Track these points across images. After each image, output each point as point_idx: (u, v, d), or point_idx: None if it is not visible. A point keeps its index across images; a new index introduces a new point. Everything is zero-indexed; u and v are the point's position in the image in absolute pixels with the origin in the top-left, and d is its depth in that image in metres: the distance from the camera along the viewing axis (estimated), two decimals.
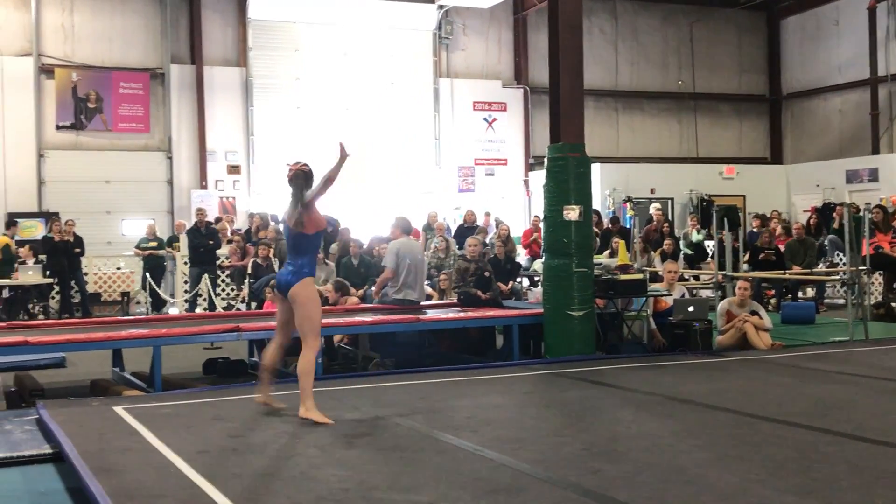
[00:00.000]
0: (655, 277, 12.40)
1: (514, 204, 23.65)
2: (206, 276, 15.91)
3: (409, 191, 22.51)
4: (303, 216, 7.00)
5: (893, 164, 21.79)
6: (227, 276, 17.17)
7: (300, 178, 7.07)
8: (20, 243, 17.12)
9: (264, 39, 21.97)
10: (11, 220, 18.17)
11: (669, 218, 21.45)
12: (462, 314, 10.63)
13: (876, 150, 23.61)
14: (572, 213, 10.00)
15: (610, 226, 18.55)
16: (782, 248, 16.25)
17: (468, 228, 18.17)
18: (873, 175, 21.95)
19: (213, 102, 21.37)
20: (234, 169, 21.30)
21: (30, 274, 15.44)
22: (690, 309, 10.44)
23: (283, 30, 22.18)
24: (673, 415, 7.08)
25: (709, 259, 16.67)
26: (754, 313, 10.71)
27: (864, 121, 24.40)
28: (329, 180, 7.04)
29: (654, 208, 19.16)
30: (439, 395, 8.02)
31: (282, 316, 7.22)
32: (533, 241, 17.72)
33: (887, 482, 5.06)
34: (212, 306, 15.75)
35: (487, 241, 16.79)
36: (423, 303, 11.02)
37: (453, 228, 19.33)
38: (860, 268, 12.34)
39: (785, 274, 14.98)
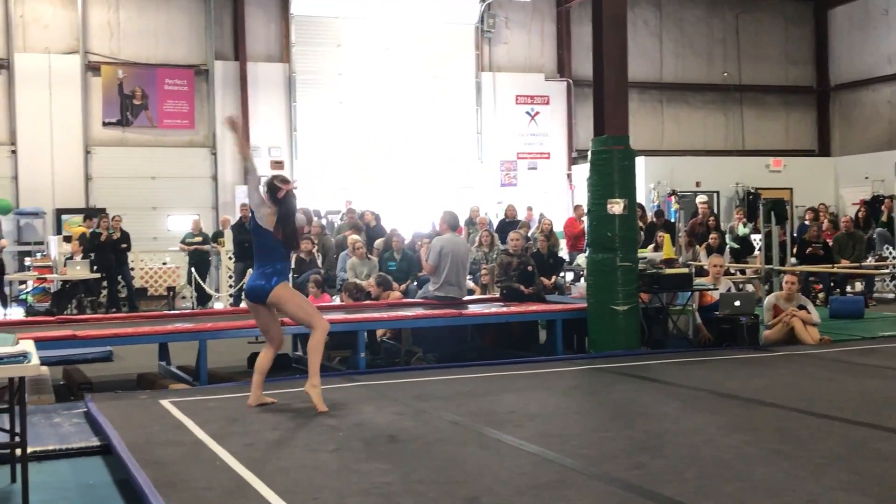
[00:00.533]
0: (701, 272, 12.26)
1: (557, 198, 23.54)
2: (250, 270, 16.00)
3: (451, 185, 22.50)
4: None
5: None
6: None
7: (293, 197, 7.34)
8: (67, 238, 17.38)
9: (307, 35, 22.07)
10: (93, 212, 18.46)
11: (715, 211, 21.19)
12: (505, 309, 10.60)
13: None
14: (616, 207, 9.92)
15: (654, 219, 18.37)
16: (830, 241, 16.00)
17: (510, 223, 18.10)
18: None
19: (256, 98, 21.50)
20: (277, 164, 21.39)
21: (77, 269, 15.66)
22: (737, 303, 10.31)
23: (325, 25, 22.26)
24: (719, 410, 7.00)
25: (755, 253, 16.46)
26: (802, 307, 10.56)
27: None
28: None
29: (699, 201, 18.94)
30: (482, 390, 8.00)
31: (261, 322, 7.39)
32: (577, 234, 17.59)
33: None
34: None
35: (530, 235, 16.73)
36: (464, 298, 11.00)
37: (495, 223, 19.28)
38: None
39: (833, 268, 14.75)
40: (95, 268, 16.27)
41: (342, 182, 21.69)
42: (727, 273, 12.97)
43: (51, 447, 6.30)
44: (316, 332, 7.11)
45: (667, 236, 11.91)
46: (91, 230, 17.12)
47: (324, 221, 17.82)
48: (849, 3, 25.82)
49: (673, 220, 18.10)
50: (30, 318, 12.92)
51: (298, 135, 21.83)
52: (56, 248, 17.88)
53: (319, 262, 14.59)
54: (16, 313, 15.60)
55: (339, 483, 5.09)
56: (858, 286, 16.39)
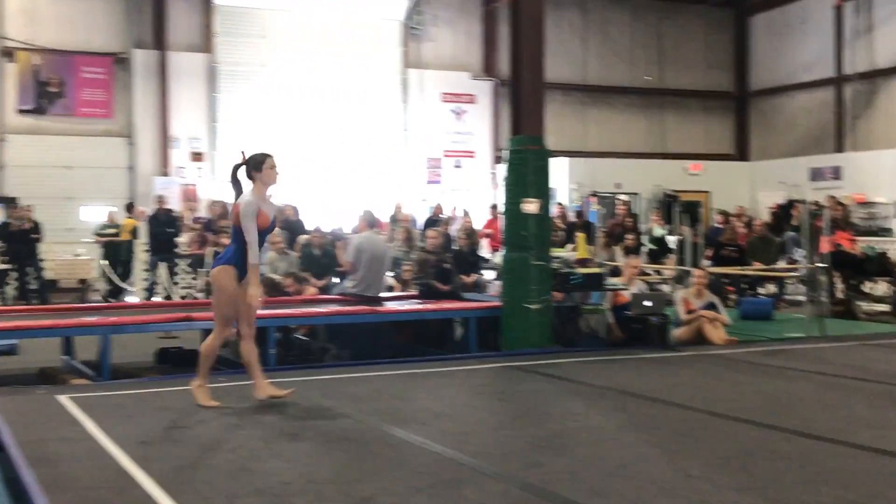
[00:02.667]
0: (617, 272, 12.40)
1: (481, 196, 23.62)
2: (164, 264, 15.73)
3: (376, 181, 22.41)
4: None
5: (857, 162, 21.95)
6: (187, 265, 16.97)
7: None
8: None
9: (230, 25, 21.78)
10: (5, 202, 17.92)
11: (635, 213, 21.48)
12: (421, 306, 10.58)
13: (840, 149, 23.81)
14: (531, 207, 9.97)
15: (575, 220, 18.55)
16: (745, 244, 16.31)
17: (435, 220, 18.11)
18: (837, 173, 22.11)
19: (177, 88, 21.15)
20: (196, 156, 21.08)
21: None
22: (647, 304, 10.44)
23: (249, 16, 21.99)
24: (623, 409, 7.07)
25: (671, 254, 16.71)
26: (711, 306, 10.76)
27: (828, 119, 24.58)
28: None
29: (620, 202, 19.20)
30: (393, 388, 7.96)
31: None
32: (490, 234, 17.70)
33: (831, 479, 5.05)
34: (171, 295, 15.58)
35: (453, 233, 16.73)
36: (381, 295, 10.95)
37: (422, 220, 19.26)
38: (818, 265, 12.44)
39: (744, 270, 15.04)
40: (5, 258, 15.82)
41: None
42: (643, 274, 13.14)
43: None
44: (212, 336, 6.99)
45: (582, 236, 12.01)
46: (1, 220, 16.63)
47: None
48: (768, 11, 26.41)
49: (593, 221, 18.29)
50: None
51: (219, 126, 21.52)
52: None
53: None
54: None
55: (234, 483, 5.00)
56: (771, 288, 16.74)
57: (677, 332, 10.61)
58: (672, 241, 17.07)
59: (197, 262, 16.08)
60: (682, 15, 26.49)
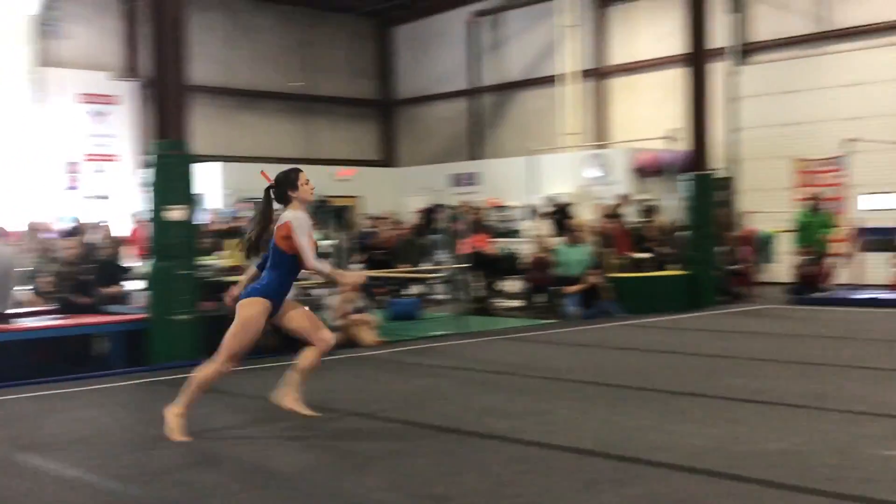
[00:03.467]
0: None
1: (127, 203, 22.52)
2: None
3: (6, 187, 20.63)
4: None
5: (491, 168, 23.52)
6: None
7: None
8: None
9: None
10: None
11: None
12: (57, 321, 9.87)
13: (476, 156, 25.46)
14: (175, 213, 9.66)
15: (227, 226, 18.21)
16: (393, 247, 16.90)
17: (74, 229, 16.97)
18: (474, 179, 23.58)
19: None
20: None
21: None
22: None
23: None
24: (275, 418, 7.01)
25: (325, 259, 16.91)
26: (361, 310, 11.03)
27: (465, 128, 26.20)
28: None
29: (274, 209, 19.06)
30: (25, 412, 7.38)
31: (289, 330, 6.60)
32: (138, 242, 16.92)
33: (472, 470, 5.32)
34: None
35: (93, 242, 15.79)
36: (9, 311, 10.08)
37: (63, 228, 17.97)
38: (459, 265, 13.19)
39: (392, 272, 15.58)
40: None
41: None
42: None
43: None
44: (213, 366, 6.30)
45: (233, 243, 11.83)
46: None
47: None
48: (409, 23, 27.63)
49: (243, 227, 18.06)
50: None
51: None
52: None
53: None
54: None
55: None
56: (420, 289, 17.48)
57: None
58: (326, 245, 17.28)
59: None
60: (329, 23, 26.99)
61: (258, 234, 6.48)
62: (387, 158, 28.17)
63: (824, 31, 19.46)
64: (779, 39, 20.19)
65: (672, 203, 17.26)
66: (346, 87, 27.41)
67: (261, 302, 6.22)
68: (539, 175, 18.95)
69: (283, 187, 6.41)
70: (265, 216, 6.49)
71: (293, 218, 6.25)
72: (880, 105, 18.33)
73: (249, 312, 6.19)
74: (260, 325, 6.27)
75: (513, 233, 20.04)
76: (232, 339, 6.22)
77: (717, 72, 19.69)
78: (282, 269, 6.30)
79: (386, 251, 16.50)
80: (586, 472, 5.24)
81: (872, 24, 18.78)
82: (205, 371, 6.31)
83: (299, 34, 26.37)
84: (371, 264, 15.91)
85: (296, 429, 6.58)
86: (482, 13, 25.60)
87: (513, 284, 16.16)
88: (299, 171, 6.50)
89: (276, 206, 6.55)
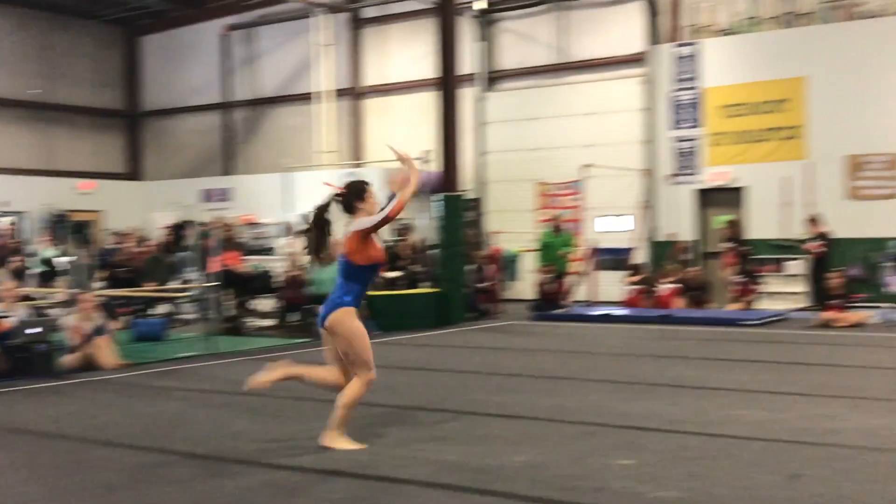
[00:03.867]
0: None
1: None
2: None
3: None
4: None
5: (245, 184, 23.15)
6: None
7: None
8: None
9: None
10: None
11: (26, 234, 20.42)
12: None
13: (229, 171, 24.94)
14: None
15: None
16: (139, 265, 16.19)
17: None
18: (227, 195, 23.09)
19: None
20: None
21: None
22: (33, 330, 9.85)
23: None
24: (3, 448, 6.53)
25: (64, 277, 15.97)
26: (101, 329, 10.49)
27: (217, 143, 25.62)
28: (388, 219, 6.23)
29: (6, 223, 17.91)
30: None
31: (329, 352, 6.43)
32: None
33: (222, 498, 5.14)
34: None
35: None
36: None
37: None
38: (209, 284, 12.83)
39: (137, 291, 14.94)
40: None
41: None
42: (28, 298, 12.36)
43: None
44: (358, 385, 6.20)
45: None
46: None
47: None
48: (159, 33, 26.72)
49: None
50: None
51: None
52: None
53: None
54: None
55: None
56: (167, 308, 16.84)
57: (68, 359, 10.15)
58: (64, 262, 16.33)
59: None
60: (72, 29, 25.61)
61: (318, 241, 6.45)
62: (133, 172, 27.04)
63: (564, 63, 20.60)
64: (523, 69, 21.16)
65: (423, 222, 17.67)
66: (89, 97, 26.09)
67: (351, 311, 6.24)
68: (294, 192, 18.81)
69: (352, 197, 6.40)
70: (322, 223, 6.43)
71: (357, 224, 6.28)
72: (613, 133, 19.62)
73: (350, 322, 6.22)
74: (363, 326, 6.28)
75: (266, 250, 19.78)
76: (359, 352, 6.22)
77: (467, 97, 20.43)
78: (357, 280, 6.31)
79: (130, 269, 15.80)
80: (337, 492, 5.22)
81: (608, 58, 20.08)
82: (352, 390, 6.24)
83: (40, 39, 24.86)
84: (114, 282, 15.19)
85: (23, 457, 6.14)
86: (236, 27, 25.18)
87: (266, 303, 15.92)
88: (367, 183, 6.56)
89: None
